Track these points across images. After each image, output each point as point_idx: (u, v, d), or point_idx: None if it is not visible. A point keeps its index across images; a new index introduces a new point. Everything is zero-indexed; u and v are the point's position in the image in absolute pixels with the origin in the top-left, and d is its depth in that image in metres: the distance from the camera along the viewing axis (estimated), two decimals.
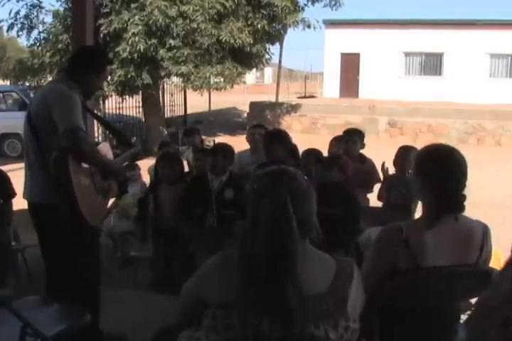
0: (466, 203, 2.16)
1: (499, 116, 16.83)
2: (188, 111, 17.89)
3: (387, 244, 2.18)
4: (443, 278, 2.17)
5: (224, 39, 12.41)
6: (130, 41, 12.01)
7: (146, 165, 5.70)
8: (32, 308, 2.49)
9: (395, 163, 4.49)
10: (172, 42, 12.37)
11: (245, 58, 13.73)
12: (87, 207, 2.81)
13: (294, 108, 19.17)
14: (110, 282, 4.07)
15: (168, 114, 16.53)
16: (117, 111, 14.52)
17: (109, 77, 12.61)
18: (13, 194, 4.35)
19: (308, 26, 14.72)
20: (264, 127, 5.19)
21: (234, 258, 1.67)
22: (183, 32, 12.32)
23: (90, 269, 3.09)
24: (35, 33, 13.05)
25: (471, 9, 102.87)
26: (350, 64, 23.01)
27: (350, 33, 22.36)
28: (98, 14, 11.54)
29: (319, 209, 1.74)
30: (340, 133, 5.11)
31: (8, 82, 18.14)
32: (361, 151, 4.93)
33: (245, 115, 21.23)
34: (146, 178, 5.88)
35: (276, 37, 14.48)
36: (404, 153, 4.39)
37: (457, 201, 2.15)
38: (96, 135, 8.18)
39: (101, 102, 13.49)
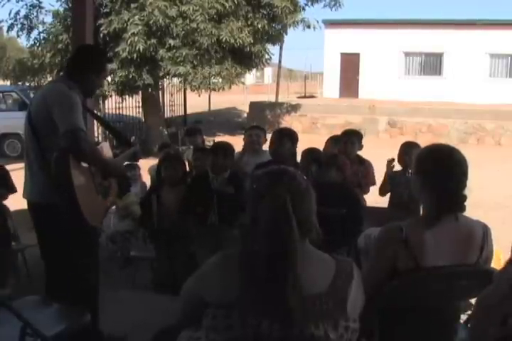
0: (466, 203, 2.16)
1: (499, 116, 16.84)
2: (188, 111, 17.88)
3: (387, 244, 2.18)
4: (443, 278, 2.17)
5: (224, 39, 12.40)
6: (129, 41, 12.01)
7: (146, 165, 5.70)
8: (32, 308, 2.49)
9: (399, 159, 4.52)
10: (172, 42, 12.37)
11: (245, 58, 13.73)
12: (87, 207, 2.81)
13: (294, 108, 19.18)
14: (110, 282, 4.07)
15: (168, 114, 16.52)
16: (117, 111, 14.52)
17: (110, 77, 12.62)
18: (14, 188, 4.47)
19: (308, 26, 14.74)
20: (262, 129, 5.19)
21: (234, 258, 1.67)
22: (183, 32, 12.32)
23: (90, 269, 3.08)
24: (35, 33, 13.08)
25: (471, 9, 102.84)
26: (350, 64, 23.01)
27: (350, 33, 22.36)
28: (98, 14, 11.54)
29: (319, 209, 1.74)
30: (340, 133, 5.11)
31: (8, 82, 18.12)
32: (361, 151, 4.93)
33: (245, 115, 21.24)
34: (146, 178, 5.88)
35: (276, 37, 14.47)
36: (407, 149, 4.40)
37: (457, 201, 2.15)
38: (96, 135, 8.19)
39: (101, 102, 13.48)
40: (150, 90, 13.66)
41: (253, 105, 19.75)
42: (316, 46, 57.16)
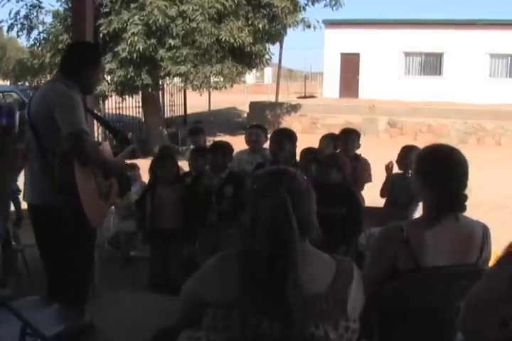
0: (466, 203, 2.16)
1: (499, 116, 16.84)
2: (188, 111, 17.89)
3: (388, 244, 2.18)
4: (443, 278, 2.16)
5: (224, 38, 12.41)
6: (129, 41, 12.02)
7: (146, 165, 5.69)
8: (32, 308, 2.49)
9: (398, 162, 4.53)
10: (172, 42, 12.38)
11: (245, 58, 13.73)
12: (91, 209, 2.80)
13: (294, 108, 19.19)
14: (110, 282, 4.07)
15: (168, 114, 16.53)
16: (117, 111, 14.52)
17: (109, 77, 12.63)
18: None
19: (308, 26, 14.76)
20: (263, 127, 5.19)
21: (233, 258, 1.67)
22: (183, 32, 12.32)
23: (87, 270, 3.08)
24: (35, 33, 13.12)
25: (471, 9, 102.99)
26: (350, 64, 23.00)
27: (350, 33, 22.35)
28: (98, 14, 11.54)
29: (319, 209, 1.74)
30: (336, 132, 5.13)
31: (8, 82, 18.13)
32: (361, 151, 4.93)
33: (245, 115, 21.24)
34: (146, 178, 5.87)
35: (276, 37, 14.49)
36: (406, 153, 4.41)
37: (458, 201, 2.14)
38: (96, 135, 8.18)
39: (101, 102, 13.49)
40: (150, 90, 13.66)
41: (253, 105, 19.75)
42: (316, 46, 57.26)
